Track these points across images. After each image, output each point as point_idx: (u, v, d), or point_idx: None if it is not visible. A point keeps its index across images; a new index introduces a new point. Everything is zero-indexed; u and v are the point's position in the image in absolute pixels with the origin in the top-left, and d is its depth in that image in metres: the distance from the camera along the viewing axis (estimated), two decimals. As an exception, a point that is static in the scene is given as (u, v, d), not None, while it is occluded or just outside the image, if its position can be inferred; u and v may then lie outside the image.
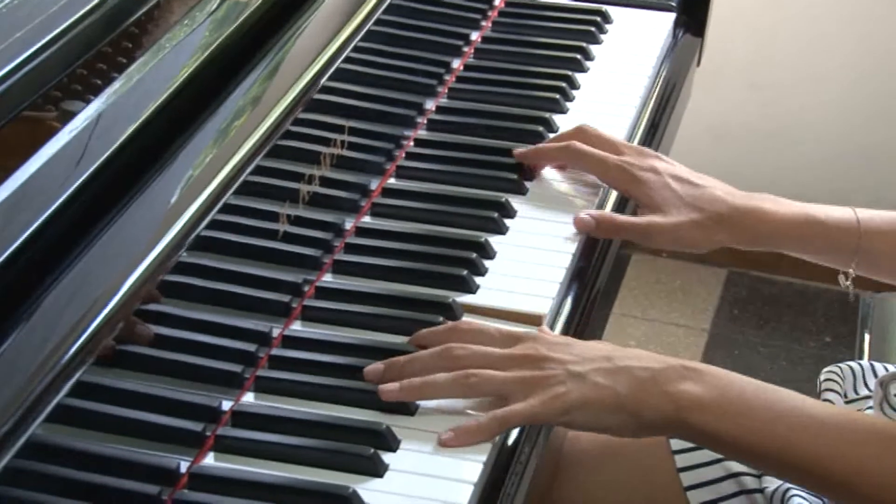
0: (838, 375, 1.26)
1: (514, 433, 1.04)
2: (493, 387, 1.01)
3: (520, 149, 1.32)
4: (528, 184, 1.32)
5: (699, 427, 1.01)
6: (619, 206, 1.33)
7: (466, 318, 1.12)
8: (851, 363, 1.28)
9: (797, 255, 1.27)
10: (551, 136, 1.40)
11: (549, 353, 1.03)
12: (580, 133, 1.30)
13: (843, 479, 0.99)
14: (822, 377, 1.27)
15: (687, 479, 1.21)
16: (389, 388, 1.02)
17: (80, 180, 0.92)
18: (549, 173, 1.34)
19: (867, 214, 1.23)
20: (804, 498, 1.14)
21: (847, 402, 1.24)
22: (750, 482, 1.19)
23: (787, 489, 1.15)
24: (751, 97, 2.70)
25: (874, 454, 0.99)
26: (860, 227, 1.22)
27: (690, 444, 1.22)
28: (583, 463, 1.25)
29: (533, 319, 1.14)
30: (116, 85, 1.02)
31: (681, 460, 1.21)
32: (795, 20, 2.64)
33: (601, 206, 1.31)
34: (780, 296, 2.64)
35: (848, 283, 1.27)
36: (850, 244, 1.22)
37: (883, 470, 0.99)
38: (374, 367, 1.04)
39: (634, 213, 1.29)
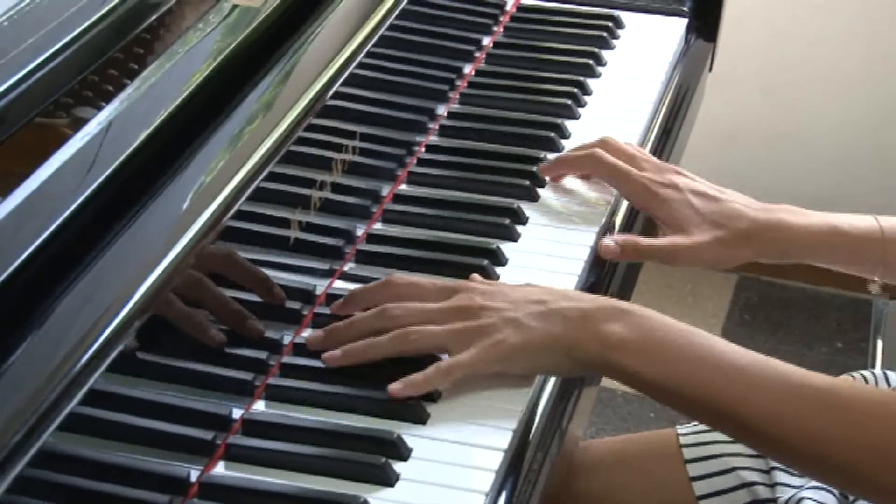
0: (853, 384, 1.26)
1: (525, 440, 1.03)
2: (434, 341, 1.04)
3: (543, 164, 1.31)
4: (540, 191, 1.32)
5: (622, 367, 1.03)
6: (630, 216, 1.33)
7: (398, 275, 1.13)
8: (865, 372, 1.27)
9: (821, 264, 1.26)
10: (564, 142, 1.39)
11: (484, 302, 1.05)
12: (603, 144, 1.29)
13: (760, 426, 1.00)
14: (836, 385, 1.26)
15: (700, 488, 1.20)
16: (332, 355, 1.05)
17: (93, 186, 0.92)
18: (559, 182, 1.33)
19: (890, 222, 1.22)
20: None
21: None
22: (763, 491, 1.19)
23: (801, 499, 1.15)
24: (762, 100, 2.69)
25: (791, 401, 1.00)
26: (884, 236, 1.21)
27: (703, 454, 1.22)
28: (595, 471, 1.25)
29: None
30: (128, 91, 1.02)
31: (693, 469, 1.20)
32: (806, 23, 2.63)
33: (613, 214, 1.30)
34: (792, 301, 2.63)
35: (878, 290, 1.26)
36: (875, 253, 1.22)
37: (803, 423, 0.99)
38: (315, 334, 1.07)
39: (654, 233, 1.29)
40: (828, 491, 1.17)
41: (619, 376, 1.05)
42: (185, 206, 0.98)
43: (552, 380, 1.10)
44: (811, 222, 1.23)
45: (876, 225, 1.22)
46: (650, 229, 1.38)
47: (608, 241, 1.23)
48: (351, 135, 1.22)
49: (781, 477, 1.19)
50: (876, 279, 1.24)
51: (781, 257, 1.24)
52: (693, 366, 1.02)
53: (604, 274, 1.25)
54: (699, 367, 1.02)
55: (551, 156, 1.35)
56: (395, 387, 1.02)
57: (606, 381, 2.49)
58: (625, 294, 1.34)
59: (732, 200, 1.24)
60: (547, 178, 1.32)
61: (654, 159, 1.30)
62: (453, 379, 1.03)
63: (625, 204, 1.32)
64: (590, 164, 1.29)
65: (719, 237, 1.21)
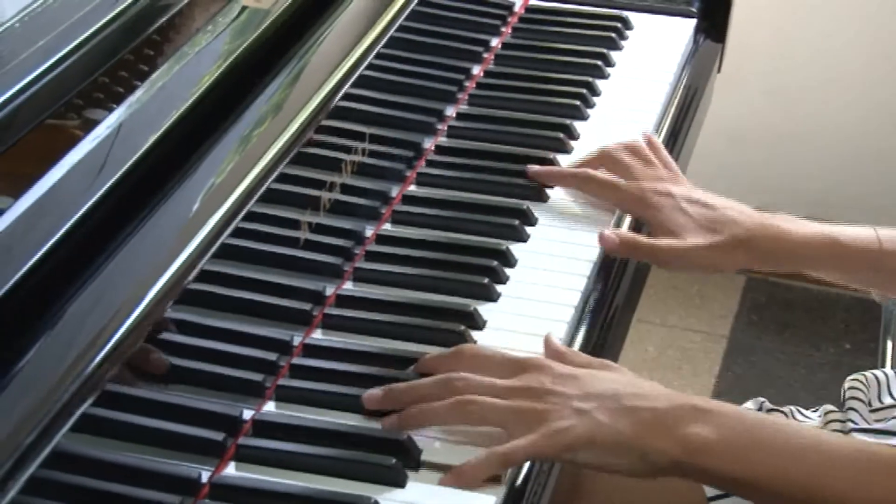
0: (863, 384, 1.25)
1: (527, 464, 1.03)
2: (493, 416, 0.99)
3: (533, 167, 1.31)
4: (549, 192, 1.32)
5: (710, 470, 0.98)
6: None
7: (470, 345, 1.08)
8: (876, 371, 1.27)
9: (817, 274, 1.24)
10: (572, 143, 1.39)
11: (553, 387, 0.99)
12: (601, 157, 1.29)
13: None
14: (847, 385, 1.26)
15: (711, 489, 1.20)
16: (390, 422, 1.00)
17: (104, 188, 0.92)
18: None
19: (888, 233, 1.21)
20: None
21: (871, 411, 1.23)
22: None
23: None
24: (769, 101, 2.69)
25: (893, 488, 0.97)
26: (882, 247, 1.20)
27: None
28: (605, 482, 1.24)
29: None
30: (139, 93, 1.02)
31: (711, 490, 1.20)
32: (812, 25, 2.63)
33: (622, 216, 1.30)
34: (799, 302, 2.63)
35: (878, 296, 1.25)
36: (872, 263, 1.20)
37: None
38: (373, 393, 1.02)
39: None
40: None
41: (707, 480, 1.02)
42: (195, 207, 0.98)
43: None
44: (809, 231, 1.21)
45: (874, 236, 1.21)
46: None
47: (609, 231, 1.22)
48: (360, 136, 1.22)
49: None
50: (870, 291, 1.23)
51: (777, 265, 1.23)
52: (790, 461, 0.98)
53: (613, 276, 1.25)
54: (797, 461, 0.98)
55: (560, 157, 1.36)
56: (448, 479, 0.96)
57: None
58: (633, 296, 1.34)
59: (728, 207, 1.23)
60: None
61: (651, 159, 1.29)
62: (511, 466, 0.98)
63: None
64: (577, 182, 1.29)
65: (713, 242, 1.20)
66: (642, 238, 1.24)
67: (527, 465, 1.01)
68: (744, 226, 1.21)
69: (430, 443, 1.00)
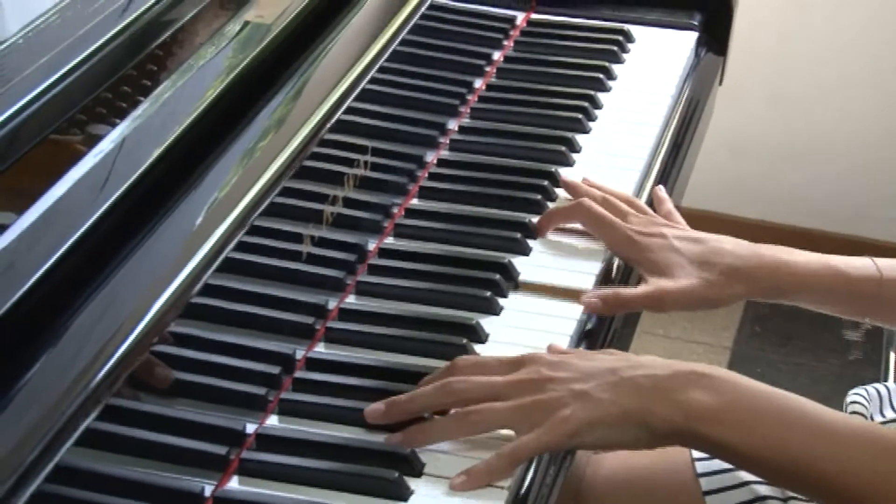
0: (864, 398, 1.26)
1: (537, 456, 1.03)
2: (496, 420, 0.99)
3: (537, 226, 1.27)
4: (550, 204, 1.32)
5: (709, 437, 0.98)
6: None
7: (463, 356, 1.07)
8: (878, 385, 1.27)
9: (814, 306, 1.23)
10: (574, 156, 1.39)
11: (551, 374, 1.00)
12: (602, 200, 1.26)
13: (858, 495, 0.97)
14: (849, 399, 1.27)
15: (712, 501, 1.20)
16: (394, 439, 1.00)
17: (107, 203, 0.93)
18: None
19: (887, 263, 1.20)
20: None
21: (873, 425, 1.23)
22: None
23: None
24: (771, 113, 2.70)
25: (892, 469, 0.97)
26: (882, 277, 1.19)
27: (716, 468, 1.21)
28: (606, 487, 1.24)
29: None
30: (142, 108, 1.02)
31: (706, 483, 1.20)
32: (814, 36, 2.63)
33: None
34: (802, 314, 2.61)
35: (857, 335, 1.25)
36: (871, 293, 1.19)
37: None
38: (375, 407, 1.02)
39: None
40: None
41: (708, 448, 1.01)
42: (199, 221, 0.98)
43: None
44: (808, 259, 1.20)
45: (873, 266, 1.20)
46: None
47: (589, 297, 1.17)
48: (363, 149, 1.23)
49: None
50: (865, 321, 1.23)
51: (776, 295, 1.21)
52: (789, 433, 0.97)
53: (616, 286, 1.25)
54: (796, 433, 0.97)
55: (562, 169, 1.36)
56: (457, 481, 0.97)
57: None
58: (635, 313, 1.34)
59: (722, 241, 1.21)
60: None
61: (650, 212, 1.26)
62: (520, 463, 0.98)
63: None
64: (577, 215, 1.26)
65: (706, 278, 1.17)
66: (626, 291, 1.20)
67: (530, 474, 1.01)
68: (740, 257, 1.19)
69: (436, 454, 1.00)
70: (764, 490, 1.19)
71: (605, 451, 1.03)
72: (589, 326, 1.18)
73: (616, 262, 1.26)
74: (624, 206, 1.26)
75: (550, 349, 1.08)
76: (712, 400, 0.98)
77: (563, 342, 1.14)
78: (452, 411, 1.01)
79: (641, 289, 1.19)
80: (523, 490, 1.00)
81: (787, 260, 1.20)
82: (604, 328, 1.20)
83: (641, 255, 1.21)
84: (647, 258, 1.20)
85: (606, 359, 1.02)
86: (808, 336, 2.58)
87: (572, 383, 0.99)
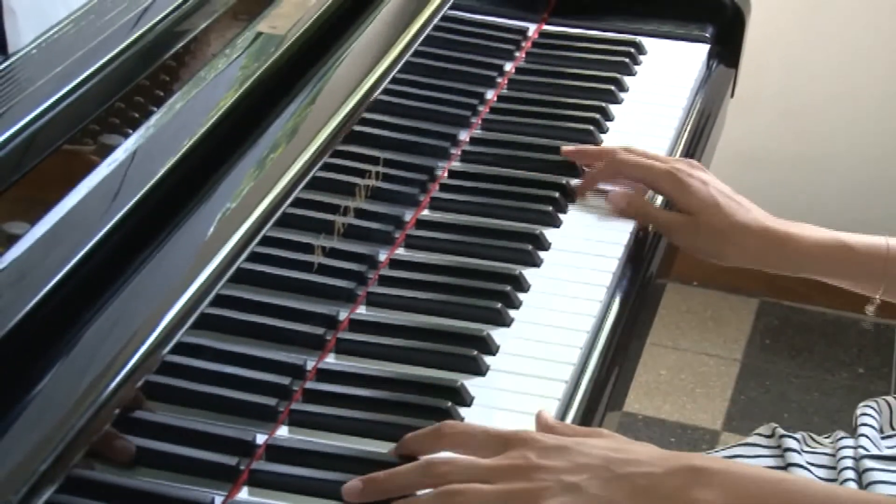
0: (875, 409, 1.25)
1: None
2: (481, 503, 0.93)
3: (567, 147, 1.37)
4: (562, 216, 1.32)
5: None
6: (652, 244, 1.33)
7: (451, 422, 1.01)
8: (888, 398, 1.27)
9: (825, 279, 1.28)
10: (586, 168, 1.39)
11: (541, 462, 0.94)
12: (626, 148, 1.34)
13: None
14: (859, 412, 1.26)
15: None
16: None
17: (120, 214, 0.93)
18: (582, 208, 1.34)
19: None
20: None
21: (883, 438, 1.23)
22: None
23: None
24: (783, 125, 2.70)
25: None
26: (889, 252, 1.23)
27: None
28: None
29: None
30: (155, 118, 1.03)
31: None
32: (828, 49, 2.63)
33: (635, 241, 1.30)
34: (813, 326, 2.63)
35: (872, 310, 1.27)
36: (878, 269, 1.23)
37: None
38: (352, 485, 0.96)
39: (672, 260, 1.30)
40: None
41: None
42: (211, 232, 0.98)
43: (574, 407, 1.10)
44: (817, 234, 1.26)
45: (883, 242, 1.25)
46: (671, 257, 1.39)
47: (617, 196, 1.30)
48: (375, 160, 1.23)
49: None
50: (875, 297, 1.25)
51: (786, 267, 1.27)
52: None
53: (627, 299, 1.25)
54: None
55: (574, 181, 1.36)
56: None
57: (628, 406, 2.49)
58: (646, 320, 1.34)
59: (750, 207, 1.29)
60: (573, 203, 1.33)
61: (681, 158, 1.35)
62: None
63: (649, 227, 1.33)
64: (616, 167, 1.32)
65: (729, 234, 1.26)
66: (654, 207, 1.30)
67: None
68: (761, 223, 1.27)
69: None
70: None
71: None
72: (601, 341, 1.18)
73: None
74: (657, 155, 1.34)
75: (539, 419, 1.02)
76: (718, 498, 0.92)
77: (574, 354, 1.13)
78: (436, 491, 0.94)
79: (666, 212, 1.29)
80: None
81: (798, 233, 1.26)
82: (615, 337, 1.20)
83: (683, 194, 1.28)
84: (688, 198, 1.28)
85: (599, 446, 0.96)
86: (819, 349, 2.58)
87: (563, 474, 0.93)
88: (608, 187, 1.34)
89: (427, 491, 0.95)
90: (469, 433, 0.98)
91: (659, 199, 1.36)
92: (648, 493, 0.92)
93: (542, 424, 1.01)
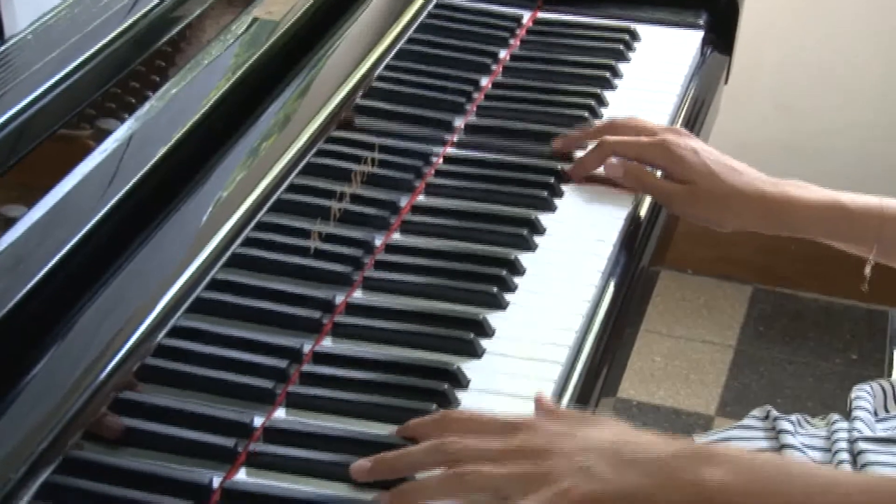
0: (869, 393, 1.26)
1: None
2: (492, 484, 0.93)
3: (557, 141, 1.37)
4: (557, 201, 1.33)
5: None
6: (647, 227, 1.33)
7: (457, 409, 1.03)
8: (882, 381, 1.28)
9: (820, 238, 1.29)
10: (580, 153, 1.40)
11: (549, 446, 0.94)
12: (611, 124, 1.35)
13: None
14: (853, 395, 1.27)
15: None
16: (383, 498, 0.95)
17: (116, 198, 0.94)
18: (578, 190, 1.34)
19: (891, 201, 1.26)
20: None
21: (878, 420, 1.23)
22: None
23: None
24: (777, 115, 2.70)
25: None
26: (883, 212, 1.25)
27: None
28: None
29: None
30: (150, 104, 1.03)
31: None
32: (823, 39, 2.63)
33: (630, 225, 1.31)
34: (806, 312, 2.63)
35: (867, 271, 1.29)
36: (873, 229, 1.25)
37: None
38: (361, 464, 0.96)
39: (670, 238, 1.31)
40: None
41: None
42: (206, 217, 0.99)
43: (569, 391, 1.11)
44: (814, 195, 1.27)
45: (877, 202, 1.26)
46: (665, 243, 1.39)
47: (614, 165, 1.30)
48: (370, 146, 1.23)
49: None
50: (869, 257, 1.26)
51: (782, 228, 1.28)
52: (808, 498, 0.93)
53: (621, 283, 1.26)
54: (815, 498, 0.93)
55: (568, 166, 1.36)
56: None
57: (622, 392, 2.49)
58: (641, 305, 1.34)
59: (742, 171, 1.30)
60: (564, 188, 1.33)
61: (670, 126, 1.36)
62: None
63: (643, 212, 1.33)
64: (608, 147, 1.33)
65: (726, 201, 1.27)
66: (651, 175, 1.30)
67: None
68: (755, 187, 1.28)
69: None
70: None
71: None
72: (595, 326, 1.19)
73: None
74: (645, 123, 1.34)
75: (538, 402, 1.02)
76: (728, 475, 0.93)
77: (570, 337, 1.14)
78: (448, 471, 0.95)
79: (664, 182, 1.29)
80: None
81: (794, 194, 1.28)
82: (610, 322, 1.21)
83: (675, 164, 1.29)
84: (681, 167, 1.29)
85: (605, 431, 0.97)
86: (813, 335, 2.59)
87: (572, 456, 0.94)
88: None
89: (436, 471, 0.95)
90: (475, 419, 0.98)
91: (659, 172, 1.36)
92: (658, 474, 0.93)
93: (543, 408, 1.02)
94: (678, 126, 1.44)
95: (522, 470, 0.93)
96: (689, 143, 1.30)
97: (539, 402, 1.02)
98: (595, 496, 0.92)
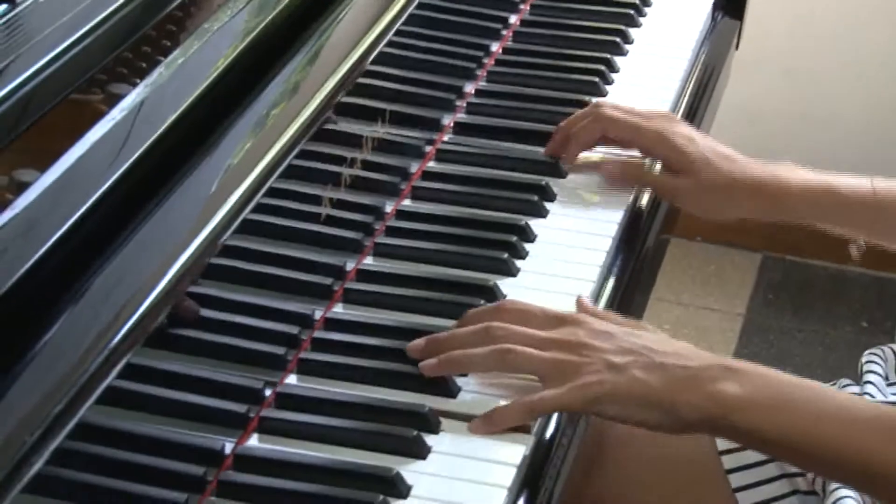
0: (880, 357, 1.26)
1: (556, 416, 1.04)
2: (530, 365, 1.02)
3: (547, 147, 1.32)
4: (566, 167, 1.32)
5: (742, 426, 1.00)
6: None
7: (511, 299, 1.11)
8: (893, 346, 1.27)
9: (813, 222, 1.27)
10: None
11: (589, 341, 1.02)
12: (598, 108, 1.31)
13: (888, 480, 0.98)
14: (864, 359, 1.27)
15: (729, 462, 1.20)
16: (429, 364, 1.03)
17: (127, 164, 0.93)
18: (587, 158, 1.34)
19: (884, 184, 1.25)
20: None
21: (889, 385, 1.23)
22: (803, 483, 1.18)
23: (837, 488, 1.14)
24: (786, 82, 2.69)
25: None
26: (876, 196, 1.24)
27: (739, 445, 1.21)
28: (624, 447, 1.25)
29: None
30: (160, 69, 1.03)
31: (729, 461, 1.20)
32: (832, 5, 2.62)
33: (640, 191, 1.30)
34: (816, 280, 2.63)
35: (857, 254, 1.29)
36: (867, 213, 1.24)
37: None
38: (416, 343, 1.05)
39: (675, 219, 1.30)
40: None
41: (738, 437, 1.04)
42: (217, 183, 0.99)
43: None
44: (805, 179, 1.26)
45: (868, 185, 1.25)
46: (674, 211, 1.39)
47: (611, 165, 1.28)
48: (380, 113, 1.23)
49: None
50: (861, 240, 1.26)
51: (777, 214, 1.27)
52: (820, 420, 0.99)
53: (632, 249, 1.26)
54: (826, 421, 0.99)
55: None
56: (475, 424, 1.00)
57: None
58: (652, 272, 1.34)
59: (737, 158, 1.27)
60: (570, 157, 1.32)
61: (662, 112, 1.33)
62: (538, 416, 1.01)
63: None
64: (596, 125, 1.29)
65: (725, 192, 1.25)
66: (651, 172, 1.28)
67: (554, 418, 1.03)
68: (747, 174, 1.26)
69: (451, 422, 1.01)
70: (790, 467, 1.19)
71: (624, 423, 1.03)
72: (606, 292, 1.19)
73: (643, 200, 1.29)
74: (636, 110, 1.30)
75: (580, 303, 1.10)
76: (743, 390, 0.99)
77: (587, 290, 1.14)
78: (491, 346, 1.02)
79: (663, 177, 1.27)
80: (548, 433, 1.02)
81: (788, 178, 1.26)
82: (620, 288, 1.21)
83: (671, 152, 1.27)
84: (676, 156, 1.26)
85: (645, 336, 1.04)
86: (822, 303, 2.58)
87: (609, 354, 1.01)
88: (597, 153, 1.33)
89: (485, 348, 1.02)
90: (527, 310, 1.06)
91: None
92: (681, 381, 1.00)
93: (585, 309, 1.09)
94: (689, 99, 1.44)
95: (560, 358, 1.01)
96: (683, 130, 1.28)
97: (581, 303, 1.10)
98: (620, 392, 0.99)
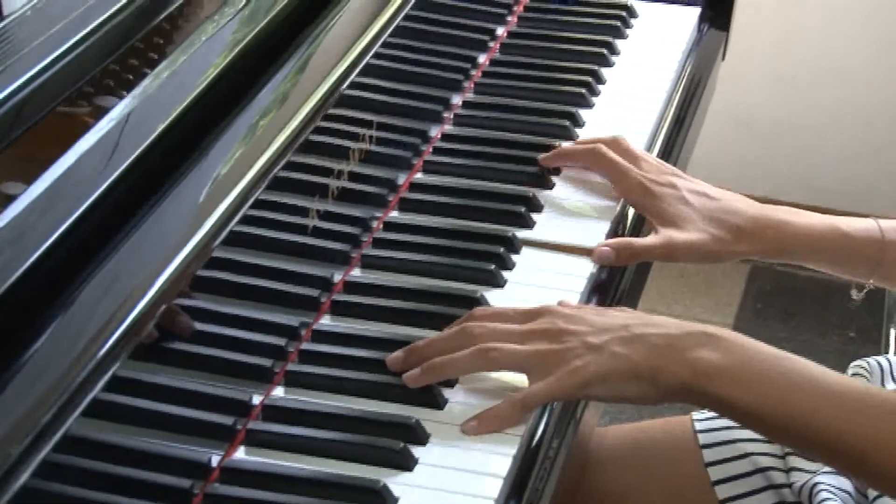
0: (866, 370, 1.26)
1: (541, 427, 1.04)
2: (514, 361, 1.02)
3: (543, 155, 1.31)
4: (554, 179, 1.33)
5: (715, 394, 1.00)
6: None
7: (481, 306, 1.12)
8: (879, 358, 1.28)
9: (819, 267, 1.25)
10: (578, 130, 1.40)
11: (567, 326, 1.03)
12: (611, 142, 1.28)
13: (859, 452, 0.99)
14: (850, 372, 1.27)
15: (715, 473, 1.21)
16: (412, 375, 1.03)
17: (114, 175, 0.93)
18: (574, 168, 1.34)
19: (890, 224, 1.22)
20: (832, 493, 1.14)
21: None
22: (778, 476, 1.19)
23: (815, 483, 1.15)
24: (775, 90, 2.70)
25: (892, 427, 0.99)
26: (884, 238, 1.21)
27: (718, 440, 1.22)
28: (611, 460, 1.26)
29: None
30: (148, 81, 1.03)
31: (708, 455, 1.21)
32: (820, 14, 2.63)
33: (626, 205, 1.31)
34: (805, 289, 2.64)
35: (861, 295, 1.27)
36: (874, 255, 1.22)
37: None
38: (395, 355, 1.05)
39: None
40: (843, 475, 1.17)
41: (711, 405, 1.03)
42: (204, 195, 0.99)
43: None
44: (811, 221, 1.22)
45: (876, 227, 1.22)
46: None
47: (602, 247, 1.20)
48: (367, 124, 1.23)
49: (796, 462, 1.19)
50: (868, 282, 1.24)
51: (779, 255, 1.24)
52: (792, 393, 1.00)
53: (617, 267, 1.26)
54: (798, 393, 1.00)
55: (565, 144, 1.36)
56: (468, 425, 1.00)
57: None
58: (639, 282, 1.34)
59: (729, 199, 1.23)
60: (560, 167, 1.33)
61: (658, 161, 1.28)
62: (530, 410, 1.01)
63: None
64: (590, 158, 1.28)
65: (714, 233, 1.20)
66: (637, 240, 1.23)
67: (540, 428, 1.03)
68: (745, 215, 1.21)
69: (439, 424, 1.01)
70: (764, 461, 1.20)
71: (613, 403, 1.04)
72: (594, 296, 1.19)
73: (629, 212, 1.28)
74: (635, 151, 1.28)
75: (562, 305, 1.09)
76: (719, 358, 1.00)
77: (574, 301, 1.14)
78: (473, 347, 1.03)
79: (652, 238, 1.22)
80: (534, 443, 1.02)
81: (790, 220, 1.22)
82: (607, 300, 1.21)
83: (654, 204, 1.23)
84: (660, 208, 1.22)
85: (620, 315, 1.05)
86: (811, 312, 2.59)
87: (587, 336, 1.02)
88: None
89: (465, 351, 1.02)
90: (499, 311, 1.07)
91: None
92: (662, 351, 1.00)
93: (564, 306, 1.08)
94: (676, 110, 1.43)
95: (542, 349, 1.01)
96: (670, 179, 1.24)
97: (561, 302, 1.10)
98: (605, 372, 1.00)
